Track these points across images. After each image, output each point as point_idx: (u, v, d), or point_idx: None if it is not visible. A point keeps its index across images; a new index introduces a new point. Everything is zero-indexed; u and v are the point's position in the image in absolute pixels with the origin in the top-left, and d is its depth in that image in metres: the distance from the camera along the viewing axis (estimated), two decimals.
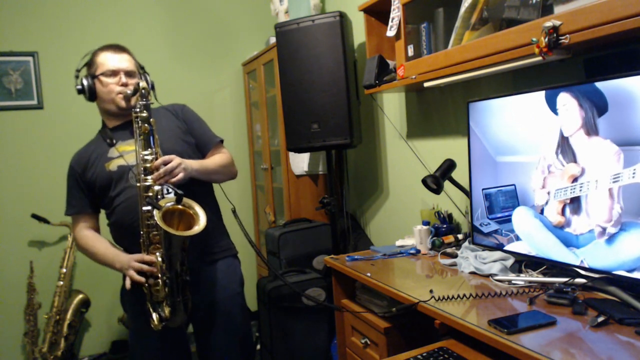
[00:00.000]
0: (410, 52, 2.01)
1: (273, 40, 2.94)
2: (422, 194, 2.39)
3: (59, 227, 3.17)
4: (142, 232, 1.63)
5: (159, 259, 1.60)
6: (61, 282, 3.14)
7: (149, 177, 1.62)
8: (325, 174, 3.02)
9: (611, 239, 1.30)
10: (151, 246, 1.63)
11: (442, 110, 2.27)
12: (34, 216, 3.09)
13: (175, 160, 1.63)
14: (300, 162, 3.03)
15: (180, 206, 1.61)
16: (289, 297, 2.47)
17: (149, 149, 1.63)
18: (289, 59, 2.52)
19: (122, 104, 1.74)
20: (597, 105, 1.31)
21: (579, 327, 1.16)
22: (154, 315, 1.65)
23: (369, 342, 1.77)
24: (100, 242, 1.78)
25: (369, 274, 1.73)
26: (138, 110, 1.64)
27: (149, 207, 1.59)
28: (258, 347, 2.76)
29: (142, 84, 1.66)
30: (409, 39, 2.01)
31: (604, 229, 1.31)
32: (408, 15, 1.98)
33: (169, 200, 1.61)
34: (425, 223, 2.05)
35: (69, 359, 3.13)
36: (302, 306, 2.50)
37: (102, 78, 1.74)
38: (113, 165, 1.75)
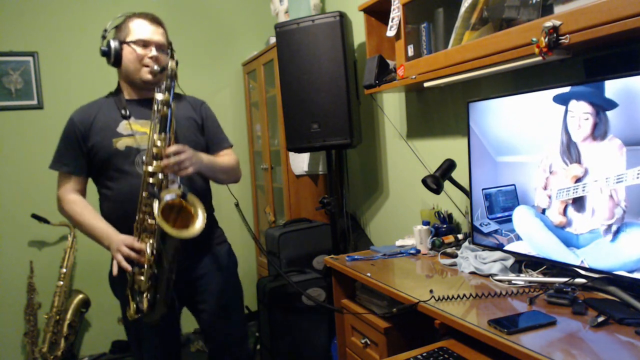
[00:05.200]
0: (410, 52, 2.01)
1: (273, 40, 2.94)
2: (422, 194, 2.39)
3: (59, 227, 3.17)
4: (137, 217, 1.55)
5: (148, 250, 1.51)
6: (61, 282, 3.14)
7: (155, 162, 1.51)
8: (325, 174, 3.02)
9: (613, 239, 1.29)
10: (144, 233, 1.55)
11: (442, 110, 2.27)
12: (34, 216, 3.10)
13: (188, 151, 1.54)
14: (300, 162, 3.03)
15: (183, 201, 1.52)
16: (289, 297, 2.47)
17: (163, 134, 1.52)
18: (289, 59, 2.52)
19: (148, 77, 1.67)
20: (603, 107, 1.31)
21: (579, 327, 1.16)
22: (132, 305, 1.58)
23: (369, 342, 1.77)
24: (89, 211, 1.68)
25: (369, 274, 1.73)
26: (161, 90, 1.54)
27: (150, 195, 1.51)
28: (258, 347, 2.76)
29: (172, 64, 1.55)
30: (409, 39, 2.01)
31: (606, 229, 1.31)
32: (408, 15, 1.98)
33: (171, 191, 1.51)
34: (425, 223, 2.05)
35: (69, 359, 3.14)
36: (302, 306, 2.50)
37: (132, 46, 1.67)
38: (121, 144, 1.65)
